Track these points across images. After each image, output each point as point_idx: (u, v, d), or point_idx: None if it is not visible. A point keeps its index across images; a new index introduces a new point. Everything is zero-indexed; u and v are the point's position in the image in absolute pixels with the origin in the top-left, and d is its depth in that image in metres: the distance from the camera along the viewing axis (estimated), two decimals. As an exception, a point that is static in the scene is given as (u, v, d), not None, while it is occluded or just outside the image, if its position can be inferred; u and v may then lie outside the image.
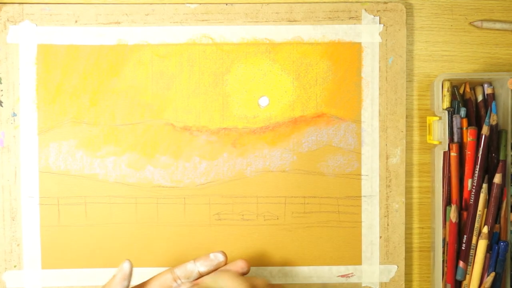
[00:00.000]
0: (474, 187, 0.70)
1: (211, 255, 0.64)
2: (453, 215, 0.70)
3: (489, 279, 0.70)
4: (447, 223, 0.71)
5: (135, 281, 0.65)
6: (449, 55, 0.73)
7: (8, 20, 0.71)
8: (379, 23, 0.72)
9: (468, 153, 0.70)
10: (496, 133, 0.70)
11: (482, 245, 0.70)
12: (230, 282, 0.60)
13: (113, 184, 0.72)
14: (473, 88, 0.72)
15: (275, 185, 0.73)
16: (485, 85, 0.71)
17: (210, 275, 0.63)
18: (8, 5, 0.71)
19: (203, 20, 0.72)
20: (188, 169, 0.72)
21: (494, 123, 0.70)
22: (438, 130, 0.69)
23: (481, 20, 0.73)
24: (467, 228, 0.70)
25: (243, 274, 0.65)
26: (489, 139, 0.70)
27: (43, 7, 0.71)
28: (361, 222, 0.73)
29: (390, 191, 0.73)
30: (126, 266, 0.62)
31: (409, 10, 0.73)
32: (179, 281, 0.64)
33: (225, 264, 0.65)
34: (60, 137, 0.72)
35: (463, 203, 0.71)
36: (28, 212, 0.72)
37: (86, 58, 0.71)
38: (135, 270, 0.71)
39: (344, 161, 0.73)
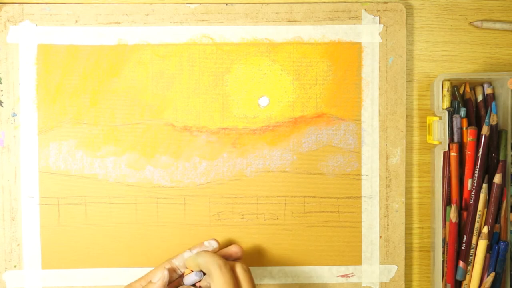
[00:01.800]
0: (474, 187, 0.70)
1: (206, 243, 0.68)
2: (453, 215, 0.70)
3: (489, 279, 0.70)
4: (447, 223, 0.71)
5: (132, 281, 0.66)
6: (449, 55, 0.73)
7: (8, 20, 0.71)
8: (379, 23, 0.72)
9: (468, 153, 0.70)
10: (496, 133, 0.70)
11: (482, 245, 0.70)
12: (207, 257, 0.62)
13: (113, 184, 0.72)
14: (473, 88, 0.72)
15: (275, 185, 0.73)
16: (485, 85, 0.71)
17: (192, 255, 0.66)
18: (8, 5, 0.70)
19: (203, 20, 0.71)
20: (188, 169, 0.72)
21: (494, 123, 0.70)
22: (438, 130, 0.69)
23: (481, 20, 0.73)
24: (467, 228, 0.70)
25: (237, 258, 0.69)
26: (489, 139, 0.70)
27: (43, 7, 0.71)
28: (361, 222, 0.73)
29: (390, 191, 0.73)
30: (166, 274, 0.65)
31: (409, 10, 0.73)
32: (179, 271, 0.66)
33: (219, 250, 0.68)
34: (60, 137, 0.72)
35: (463, 203, 0.71)
36: (28, 212, 0.72)
37: (86, 58, 0.71)
38: (134, 270, 0.72)
39: (344, 161, 0.73)
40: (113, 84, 0.72)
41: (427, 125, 0.72)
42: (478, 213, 0.70)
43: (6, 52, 0.71)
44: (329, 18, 0.72)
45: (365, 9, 0.72)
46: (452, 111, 0.71)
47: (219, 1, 0.72)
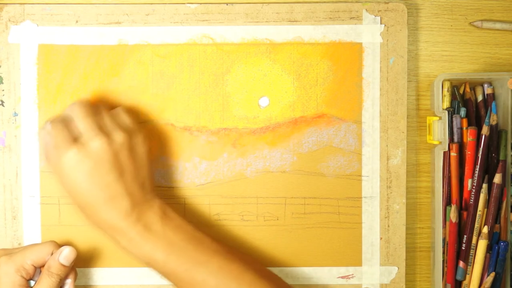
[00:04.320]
0: (474, 187, 0.70)
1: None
2: (453, 215, 0.70)
3: (489, 279, 0.70)
4: (447, 223, 0.71)
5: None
6: (449, 55, 0.73)
7: (9, 20, 0.71)
8: (380, 23, 0.72)
9: (468, 153, 0.70)
10: (496, 133, 0.70)
11: (482, 245, 0.69)
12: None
13: (113, 183, 0.72)
14: (473, 88, 0.72)
15: (275, 185, 0.73)
16: (485, 85, 0.71)
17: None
18: (10, 5, 0.71)
19: (203, 20, 0.72)
20: (188, 169, 0.72)
21: (494, 123, 0.70)
22: (438, 130, 0.69)
23: (481, 20, 0.73)
24: (467, 228, 0.70)
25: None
26: (489, 139, 0.70)
27: (44, 7, 0.71)
28: (361, 223, 0.73)
29: (391, 192, 0.72)
30: None
31: (410, 10, 0.73)
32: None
33: None
34: (61, 136, 0.72)
35: (463, 203, 0.71)
36: (29, 211, 0.72)
37: (86, 58, 0.72)
38: (134, 270, 0.72)
39: (344, 162, 0.73)
40: (113, 84, 0.72)
41: (427, 125, 0.72)
42: (478, 213, 0.70)
43: (7, 52, 0.71)
44: (330, 18, 0.72)
45: (366, 9, 0.72)
46: (452, 111, 0.71)
47: (220, 1, 0.72)
